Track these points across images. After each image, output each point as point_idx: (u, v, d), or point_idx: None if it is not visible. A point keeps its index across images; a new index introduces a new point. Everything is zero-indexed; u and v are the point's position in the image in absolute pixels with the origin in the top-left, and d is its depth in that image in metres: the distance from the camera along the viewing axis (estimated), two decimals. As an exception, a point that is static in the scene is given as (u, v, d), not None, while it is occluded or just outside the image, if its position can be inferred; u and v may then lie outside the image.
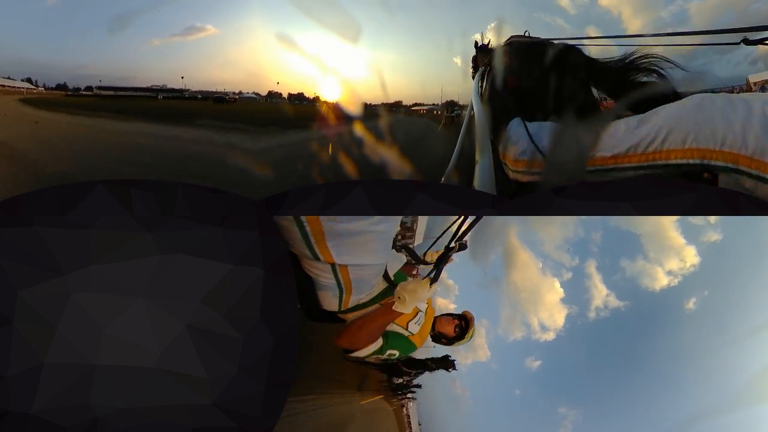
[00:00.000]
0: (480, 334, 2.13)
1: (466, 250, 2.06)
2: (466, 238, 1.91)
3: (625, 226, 2.08)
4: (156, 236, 1.54)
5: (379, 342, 1.93)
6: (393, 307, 1.87)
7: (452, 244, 1.90)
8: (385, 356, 1.98)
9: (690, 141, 1.79)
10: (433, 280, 1.86)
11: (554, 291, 2.12)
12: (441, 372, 2.19)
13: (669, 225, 2.06)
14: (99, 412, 1.51)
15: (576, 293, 2.10)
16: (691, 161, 1.79)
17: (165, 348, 1.53)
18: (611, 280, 2.09)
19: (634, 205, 1.62)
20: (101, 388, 1.51)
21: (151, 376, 1.52)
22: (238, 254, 1.57)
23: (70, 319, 1.50)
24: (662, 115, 1.87)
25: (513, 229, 2.10)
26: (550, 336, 2.11)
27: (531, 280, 2.12)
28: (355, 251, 1.76)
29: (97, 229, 1.53)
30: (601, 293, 2.09)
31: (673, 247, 2.07)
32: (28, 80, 2.74)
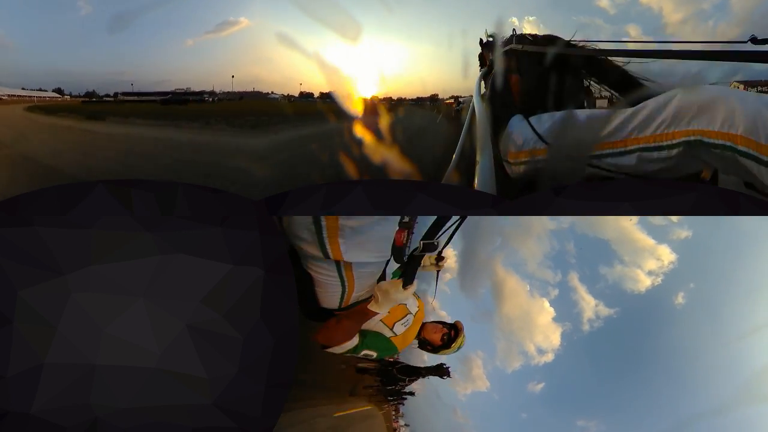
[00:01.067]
0: (477, 365, 2.13)
1: (457, 283, 2.06)
2: (436, 240, 1.82)
3: (592, 233, 2.08)
4: (156, 236, 1.54)
5: (355, 340, 1.92)
6: (368, 306, 1.86)
7: (417, 245, 1.84)
8: (360, 355, 1.96)
9: (693, 123, 1.81)
10: (405, 283, 1.83)
11: (545, 312, 2.13)
12: (440, 402, 2.18)
13: (632, 228, 2.07)
14: (99, 412, 1.51)
15: (566, 309, 2.11)
16: (692, 138, 1.80)
17: (165, 348, 1.53)
18: (596, 290, 2.10)
19: (634, 205, 1.62)
20: (101, 388, 1.51)
21: (151, 376, 1.52)
22: (238, 254, 1.57)
23: (70, 319, 1.50)
24: (667, 100, 1.88)
25: (498, 257, 2.11)
26: (549, 357, 2.11)
27: (521, 307, 2.12)
28: (362, 249, 1.76)
29: (97, 229, 1.53)
30: (590, 304, 2.10)
31: (646, 248, 2.08)
32: (58, 90, 2.79)
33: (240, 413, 1.57)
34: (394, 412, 2.24)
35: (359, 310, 1.89)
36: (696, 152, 1.81)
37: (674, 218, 2.01)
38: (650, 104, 1.91)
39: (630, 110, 1.94)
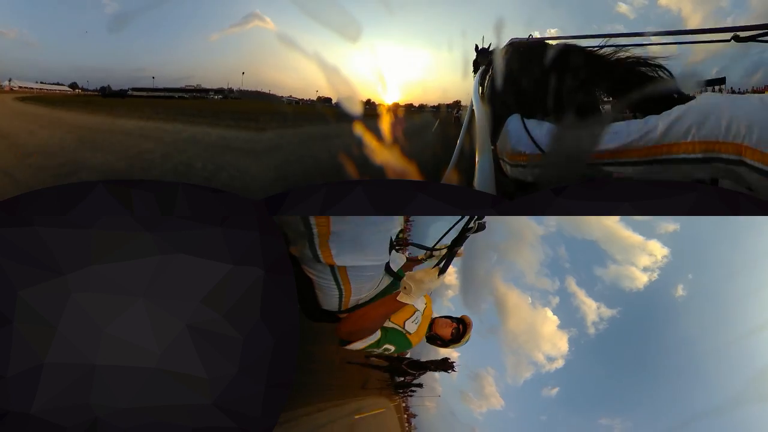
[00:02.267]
0: (489, 383, 2.14)
1: (460, 300, 2.08)
2: (485, 218, 1.82)
3: (579, 235, 2.09)
4: (156, 236, 1.54)
5: (377, 335, 1.91)
6: (397, 298, 1.84)
7: (470, 225, 1.83)
8: (380, 350, 1.96)
9: (693, 133, 1.77)
10: (442, 270, 1.83)
11: (549, 321, 2.13)
12: (456, 421, 2.18)
13: (616, 226, 2.07)
14: (99, 412, 1.51)
15: (569, 315, 2.12)
16: (693, 155, 1.77)
17: (165, 348, 1.52)
18: (595, 292, 2.11)
19: (634, 205, 1.62)
20: (101, 388, 1.51)
21: (151, 376, 1.52)
22: (238, 254, 1.57)
23: (70, 319, 1.50)
24: (665, 112, 1.86)
25: (497, 273, 2.12)
26: (560, 363, 2.12)
27: (525, 320, 2.13)
28: (353, 253, 1.76)
29: (97, 229, 1.53)
30: (591, 307, 2.11)
31: (636, 245, 2.08)
32: (73, 85, 2.82)
33: (240, 413, 1.57)
34: (407, 424, 2.25)
35: (386, 303, 1.87)
36: (705, 166, 1.77)
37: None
38: (650, 117, 1.88)
39: (628, 122, 1.93)
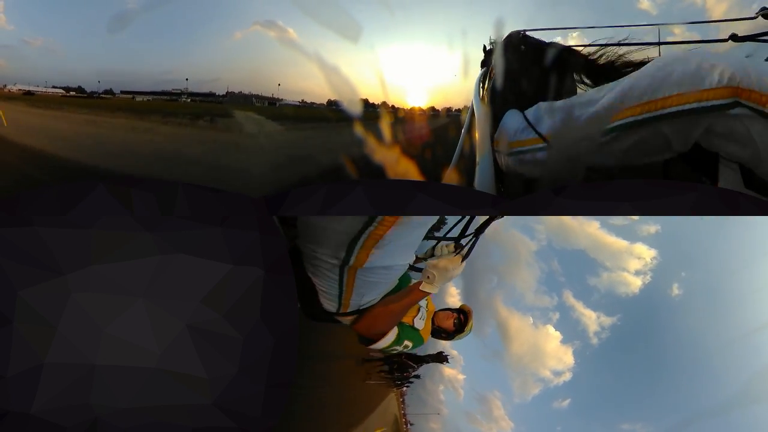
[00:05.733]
0: (497, 406, 2.14)
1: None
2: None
3: (568, 245, 2.09)
4: (156, 236, 1.54)
5: (396, 331, 1.89)
6: (420, 288, 1.81)
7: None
8: (401, 347, 1.93)
9: (686, 85, 1.68)
10: (465, 257, 1.79)
11: (552, 337, 2.14)
12: None
13: (599, 233, 2.07)
14: (99, 412, 1.51)
15: (570, 329, 2.13)
16: (686, 107, 1.68)
17: (165, 348, 1.52)
18: (592, 302, 2.11)
19: (634, 205, 1.62)
20: (101, 388, 1.51)
21: (151, 376, 1.52)
22: (238, 254, 1.57)
23: (70, 319, 1.50)
24: (652, 67, 1.78)
25: (498, 296, 2.12)
26: (567, 376, 2.12)
27: (528, 341, 2.14)
28: (395, 255, 1.73)
29: (97, 229, 1.53)
30: (591, 318, 2.11)
31: (622, 250, 2.08)
32: (79, 88, 2.87)
33: (240, 413, 1.57)
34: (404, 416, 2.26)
35: (407, 293, 1.83)
36: (689, 124, 1.68)
37: (634, 216, 1.99)
38: (629, 78, 1.79)
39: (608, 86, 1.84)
